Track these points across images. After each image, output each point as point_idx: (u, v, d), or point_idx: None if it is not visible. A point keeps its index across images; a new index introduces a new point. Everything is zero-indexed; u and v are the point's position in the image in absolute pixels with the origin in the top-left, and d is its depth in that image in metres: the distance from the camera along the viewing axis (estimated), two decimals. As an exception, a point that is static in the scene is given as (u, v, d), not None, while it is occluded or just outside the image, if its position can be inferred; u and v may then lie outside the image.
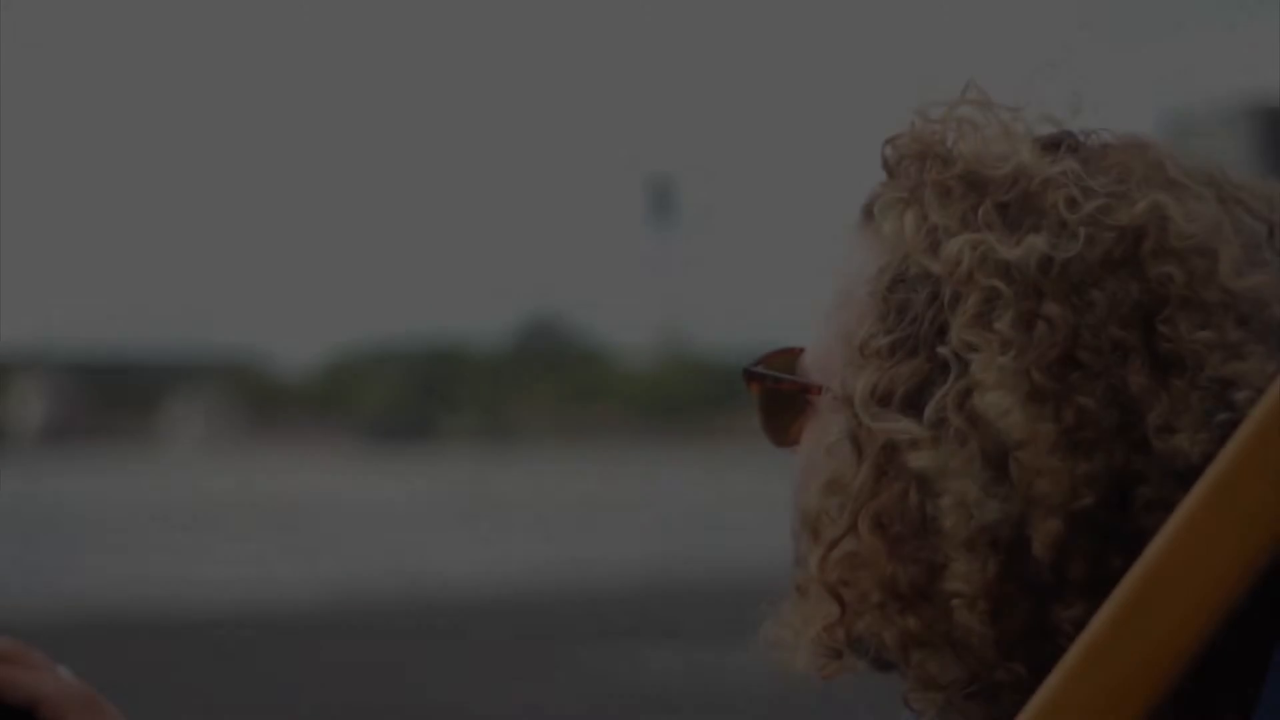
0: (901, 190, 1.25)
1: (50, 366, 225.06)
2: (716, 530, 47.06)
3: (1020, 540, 1.16)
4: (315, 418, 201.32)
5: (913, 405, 1.19)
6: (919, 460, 1.17)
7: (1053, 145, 1.27)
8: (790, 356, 1.33)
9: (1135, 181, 1.24)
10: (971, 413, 1.17)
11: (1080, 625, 1.12)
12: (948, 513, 1.16)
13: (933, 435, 1.17)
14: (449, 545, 45.28)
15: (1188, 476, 1.12)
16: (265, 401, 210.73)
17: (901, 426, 1.18)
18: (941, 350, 1.19)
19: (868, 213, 1.30)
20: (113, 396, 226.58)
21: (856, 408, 1.20)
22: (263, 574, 33.86)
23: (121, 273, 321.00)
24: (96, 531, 55.80)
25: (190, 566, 42.23)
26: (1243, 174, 1.28)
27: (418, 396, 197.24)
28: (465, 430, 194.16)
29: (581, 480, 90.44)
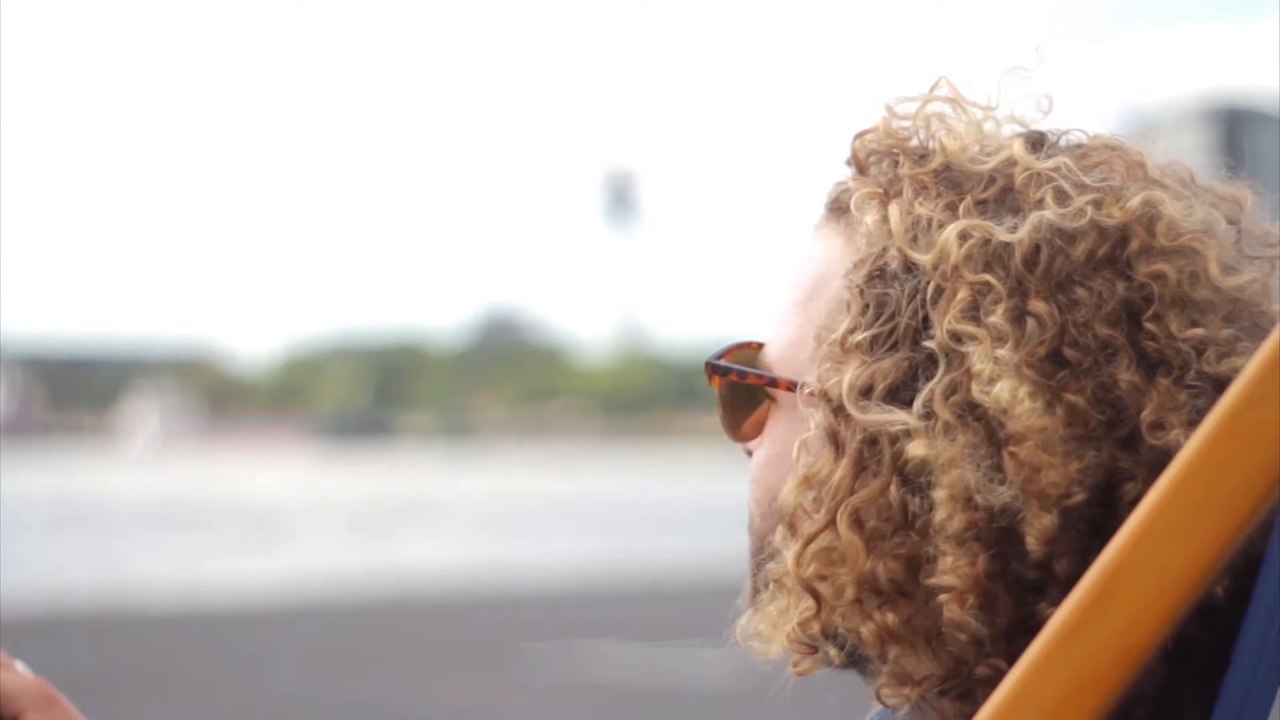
0: (877, 185, 1.25)
1: (6, 362, 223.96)
2: (669, 528, 47.04)
3: (1010, 535, 1.16)
4: (272, 413, 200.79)
5: (900, 398, 1.18)
6: (916, 449, 1.16)
7: (1037, 142, 1.27)
8: (750, 351, 1.32)
9: (1120, 179, 1.24)
10: (969, 404, 1.16)
11: None
12: (941, 504, 1.16)
13: (927, 426, 1.16)
14: (400, 541, 45.15)
15: None
16: (222, 397, 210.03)
17: (895, 418, 1.17)
18: (928, 343, 1.18)
19: (835, 207, 1.29)
20: (69, 392, 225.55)
21: (841, 401, 1.19)
22: (218, 570, 33.72)
23: (79, 268, 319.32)
24: (51, 528, 55.51)
25: (142, 562, 42.06)
26: (1208, 175, 1.28)
27: (375, 392, 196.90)
28: (422, 426, 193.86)
29: (537, 477, 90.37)
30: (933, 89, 1.29)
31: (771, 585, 1.23)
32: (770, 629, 1.23)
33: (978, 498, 1.15)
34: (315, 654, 15.64)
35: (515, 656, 15.17)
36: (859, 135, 1.29)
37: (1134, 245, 1.20)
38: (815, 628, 1.19)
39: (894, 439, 1.17)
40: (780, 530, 1.22)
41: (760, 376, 1.28)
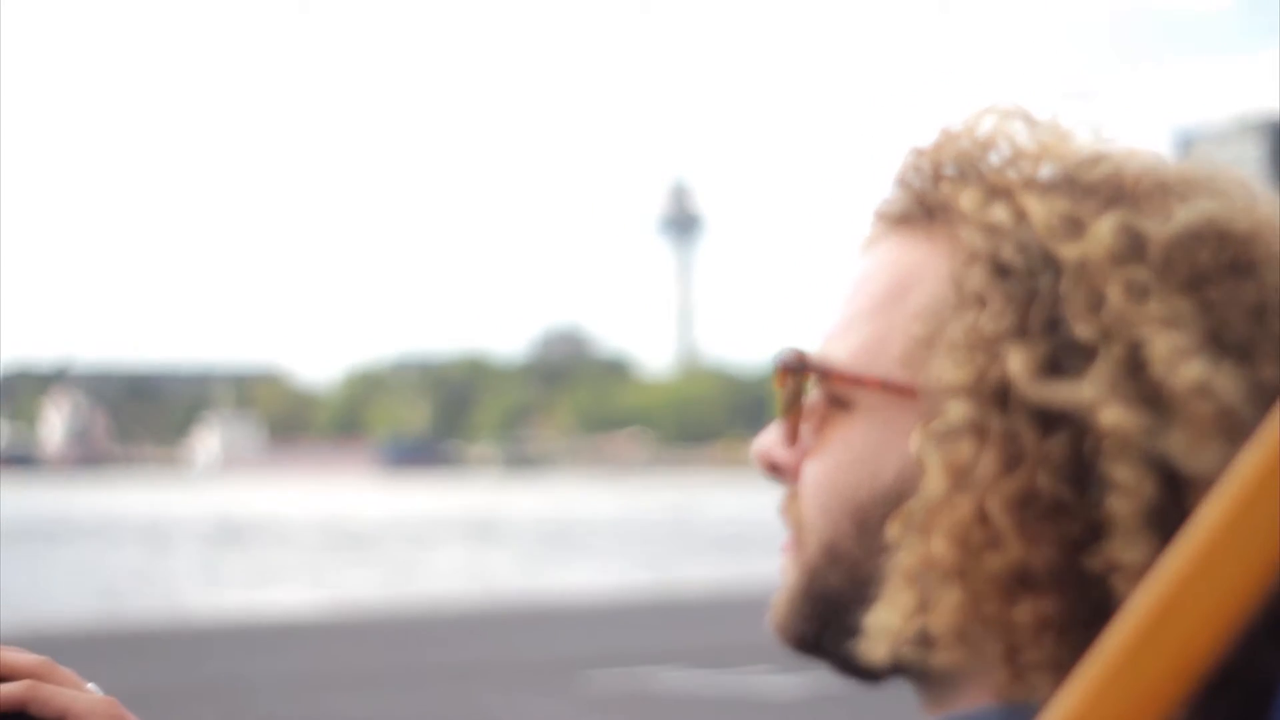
0: (992, 186, 1.25)
1: (78, 385, 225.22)
2: (738, 546, 46.90)
3: (1179, 517, 1.16)
4: (337, 436, 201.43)
5: (1066, 379, 1.18)
6: (1108, 419, 1.16)
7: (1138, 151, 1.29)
8: (807, 359, 1.32)
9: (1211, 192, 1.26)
10: (1148, 384, 1.16)
11: None
12: (1117, 484, 1.15)
13: (1109, 400, 1.16)
14: (464, 561, 45.22)
15: None
16: (287, 420, 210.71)
17: (1080, 393, 1.17)
18: (1082, 329, 1.19)
19: (914, 212, 1.29)
20: (134, 417, 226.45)
21: (995, 388, 1.18)
22: (279, 589, 33.82)
23: (149, 292, 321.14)
24: (123, 546, 55.88)
25: (211, 580, 42.27)
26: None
27: (438, 412, 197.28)
28: (485, 448, 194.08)
29: (599, 497, 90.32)
30: (999, 104, 1.30)
31: (891, 582, 1.21)
32: (891, 626, 1.20)
33: (1152, 476, 1.15)
34: (370, 672, 15.69)
35: (578, 674, 15.20)
36: (940, 142, 1.29)
37: (1260, 252, 1.21)
38: (956, 620, 1.17)
39: (1072, 416, 1.17)
40: (901, 527, 1.21)
41: (858, 377, 1.27)
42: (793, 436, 1.30)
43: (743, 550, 46.71)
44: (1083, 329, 1.19)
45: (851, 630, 1.26)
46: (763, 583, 24.11)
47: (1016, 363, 1.19)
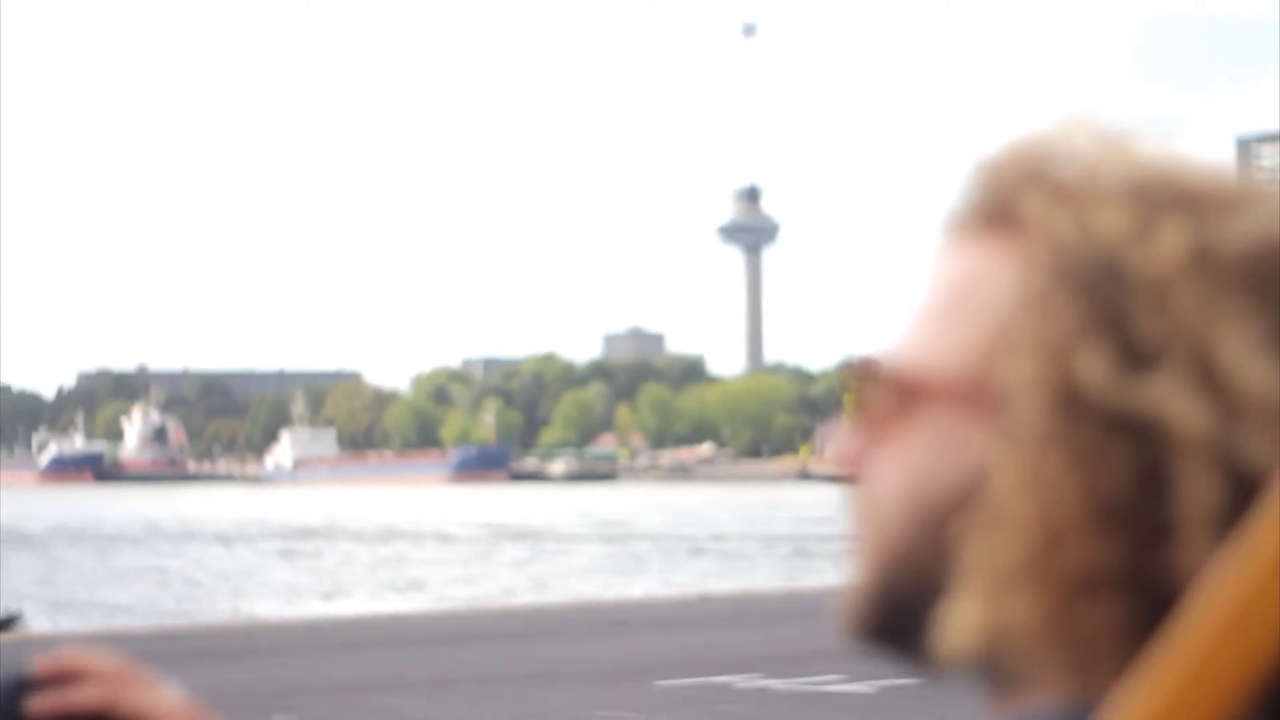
0: (1064, 192, 1.25)
1: (154, 392, 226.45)
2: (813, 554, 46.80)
3: (1248, 517, 1.17)
4: (412, 436, 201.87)
5: (1142, 378, 1.19)
6: (1182, 420, 1.16)
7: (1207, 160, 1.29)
8: (876, 362, 1.33)
9: None
10: (1224, 385, 1.17)
11: None
12: (1190, 482, 1.16)
13: (1185, 398, 1.17)
14: (538, 569, 45.33)
15: None
16: (364, 421, 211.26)
17: (1156, 391, 1.17)
18: (1153, 331, 1.19)
19: (987, 217, 1.30)
20: (216, 422, 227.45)
21: (1069, 388, 1.19)
22: (348, 597, 34.03)
23: (224, 299, 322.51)
24: (198, 551, 56.25)
25: (287, 587, 42.48)
26: None
27: (511, 415, 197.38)
28: (559, 450, 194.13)
29: (672, 502, 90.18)
30: (1067, 112, 1.30)
31: (961, 581, 1.21)
32: (959, 624, 1.20)
33: (1221, 476, 1.15)
34: (446, 678, 15.74)
35: (654, 679, 15.21)
36: (1009, 149, 1.29)
37: None
38: (1022, 619, 1.18)
39: (1141, 417, 1.17)
40: (970, 525, 1.21)
41: (928, 379, 1.26)
42: (864, 438, 1.32)
43: (821, 555, 46.67)
44: (1150, 331, 1.19)
45: (920, 627, 1.27)
46: (835, 586, 24.10)
47: (1085, 364, 1.19)
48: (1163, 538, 1.16)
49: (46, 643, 20.40)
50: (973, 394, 1.25)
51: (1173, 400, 1.17)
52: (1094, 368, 1.19)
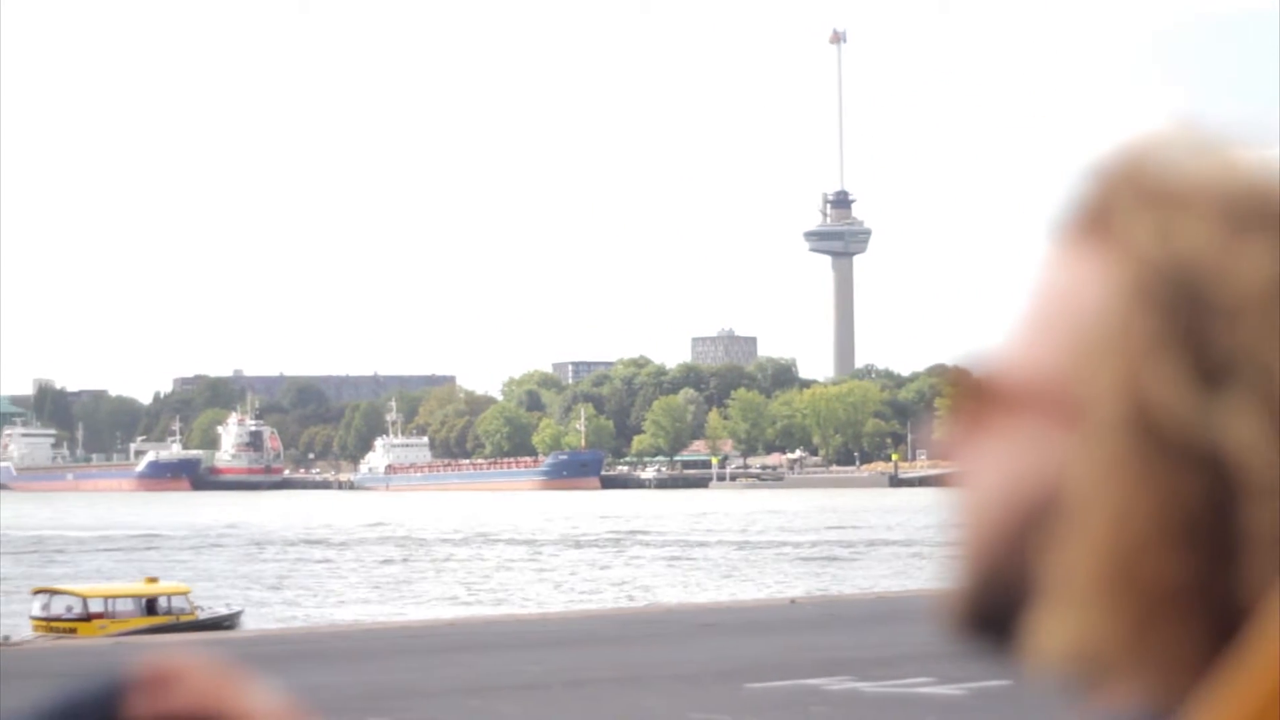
0: (1155, 204, 1.25)
1: (250, 398, 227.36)
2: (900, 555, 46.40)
3: None
4: (504, 440, 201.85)
5: (1211, 397, 1.19)
6: (1247, 437, 1.17)
7: None
8: (970, 369, 1.35)
9: None
10: None
11: None
12: (1256, 501, 1.17)
13: (1248, 420, 1.17)
14: (632, 575, 45.23)
15: None
16: (453, 432, 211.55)
17: (1222, 412, 1.17)
18: (1226, 349, 1.19)
19: (1083, 227, 1.32)
20: (305, 429, 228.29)
21: (1144, 403, 1.20)
22: (431, 601, 34.06)
23: (319, 306, 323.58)
24: (291, 555, 56.48)
25: (383, 591, 42.61)
26: None
27: (602, 423, 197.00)
28: (650, 455, 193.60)
29: (764, 506, 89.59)
30: (1166, 120, 1.31)
31: (1045, 587, 1.22)
32: (1040, 631, 1.21)
33: None
34: (538, 682, 15.78)
35: (744, 682, 15.21)
36: (1105, 158, 1.29)
37: None
38: (1097, 628, 1.17)
39: (1214, 434, 1.17)
40: (1051, 534, 1.21)
41: (1016, 386, 1.27)
42: (958, 443, 1.34)
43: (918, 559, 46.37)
44: (1221, 352, 1.20)
45: (1013, 629, 1.27)
46: (926, 590, 23.95)
47: (1156, 381, 1.20)
48: (1231, 556, 1.17)
49: (258, 641, 20.60)
50: (1056, 404, 1.25)
51: (1235, 424, 1.17)
52: (1165, 385, 1.19)
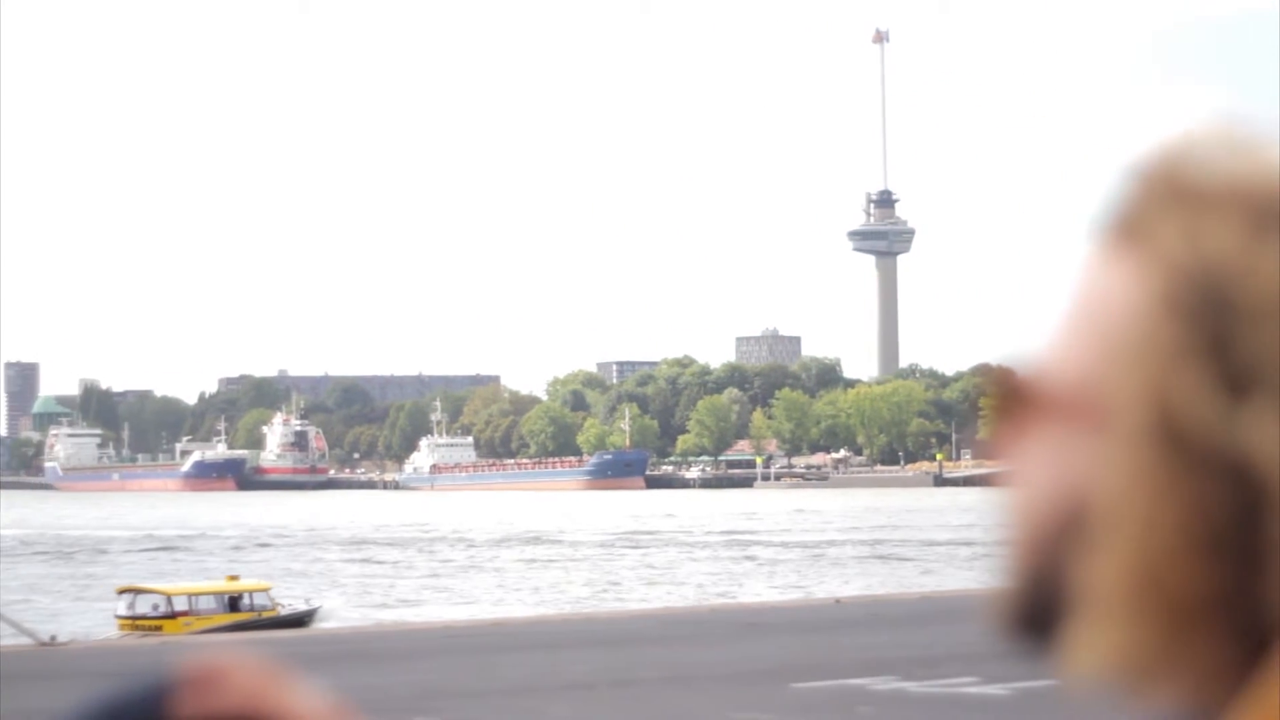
0: (1187, 207, 1.24)
1: (294, 398, 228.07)
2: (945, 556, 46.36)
3: None
4: (548, 440, 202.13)
5: (1237, 404, 1.18)
6: (1269, 446, 1.16)
7: None
8: (1013, 370, 1.34)
9: None
10: None
11: None
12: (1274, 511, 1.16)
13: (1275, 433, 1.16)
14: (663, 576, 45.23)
15: None
16: (497, 432, 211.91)
17: (1246, 419, 1.16)
18: (1249, 357, 1.18)
19: (1119, 230, 1.31)
20: (357, 427, 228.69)
21: (1172, 410, 1.19)
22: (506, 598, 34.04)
23: (364, 306, 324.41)
24: (338, 555, 56.70)
25: (429, 590, 42.72)
26: None
27: (647, 423, 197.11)
28: (695, 455, 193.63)
29: (809, 506, 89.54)
30: (1204, 122, 1.29)
31: (1083, 600, 1.21)
32: (1072, 638, 1.20)
33: None
34: (585, 681, 15.79)
35: (789, 681, 15.20)
36: (1143, 160, 1.27)
37: None
38: (1125, 636, 1.17)
39: (1238, 442, 1.16)
40: (1081, 542, 1.21)
41: (1050, 390, 1.26)
42: (1001, 444, 1.33)
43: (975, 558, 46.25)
44: (1245, 359, 1.19)
45: (1055, 632, 1.31)
46: (970, 590, 23.88)
47: (1180, 388, 1.19)
48: (1259, 566, 1.16)
49: (304, 641, 20.68)
50: (1087, 409, 1.25)
51: (1258, 432, 1.16)
52: (1189, 393, 1.18)
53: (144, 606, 32.90)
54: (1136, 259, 1.23)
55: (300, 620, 32.51)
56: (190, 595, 33.34)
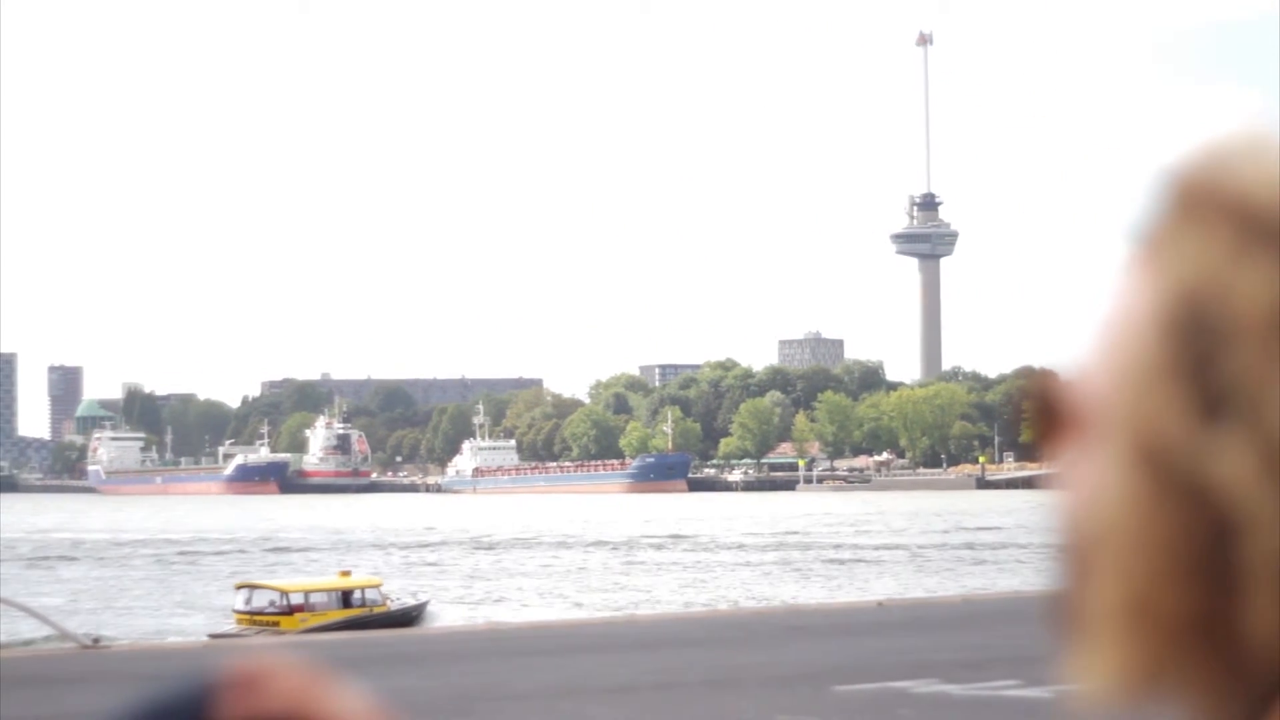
0: (1191, 222, 1.24)
1: (337, 401, 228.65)
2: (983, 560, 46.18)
3: None
4: (590, 443, 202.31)
5: (1213, 428, 1.17)
6: (1231, 479, 1.16)
7: None
8: (1057, 378, 1.34)
9: None
10: (1272, 446, 1.16)
11: None
12: (1249, 537, 1.16)
13: (1242, 456, 1.16)
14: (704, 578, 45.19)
15: None
16: (538, 435, 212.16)
17: (1215, 445, 1.16)
18: (1228, 376, 1.18)
19: (1142, 241, 1.30)
20: (400, 430, 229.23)
21: (1153, 430, 1.19)
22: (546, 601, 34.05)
23: (406, 309, 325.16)
24: (375, 558, 56.82)
25: (470, 593, 42.76)
26: None
27: (689, 426, 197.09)
28: (738, 458, 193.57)
29: (852, 509, 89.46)
30: (1231, 130, 1.27)
31: (1091, 620, 1.22)
32: (1090, 666, 1.21)
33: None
34: (627, 684, 15.80)
35: (832, 684, 15.19)
36: (1173, 172, 1.26)
37: None
38: (1130, 662, 1.17)
39: (1216, 465, 1.16)
40: (1087, 563, 1.22)
41: (1070, 405, 1.27)
42: (1042, 450, 1.33)
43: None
44: (1220, 381, 1.18)
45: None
46: (1013, 592, 23.80)
47: (1159, 407, 1.18)
48: (1234, 589, 1.15)
49: (347, 644, 20.74)
50: (1095, 425, 1.25)
51: (1225, 457, 1.16)
52: (1168, 415, 1.18)
53: (261, 602, 33.63)
54: (1148, 272, 1.22)
55: (410, 615, 33.28)
56: (306, 591, 34.02)
